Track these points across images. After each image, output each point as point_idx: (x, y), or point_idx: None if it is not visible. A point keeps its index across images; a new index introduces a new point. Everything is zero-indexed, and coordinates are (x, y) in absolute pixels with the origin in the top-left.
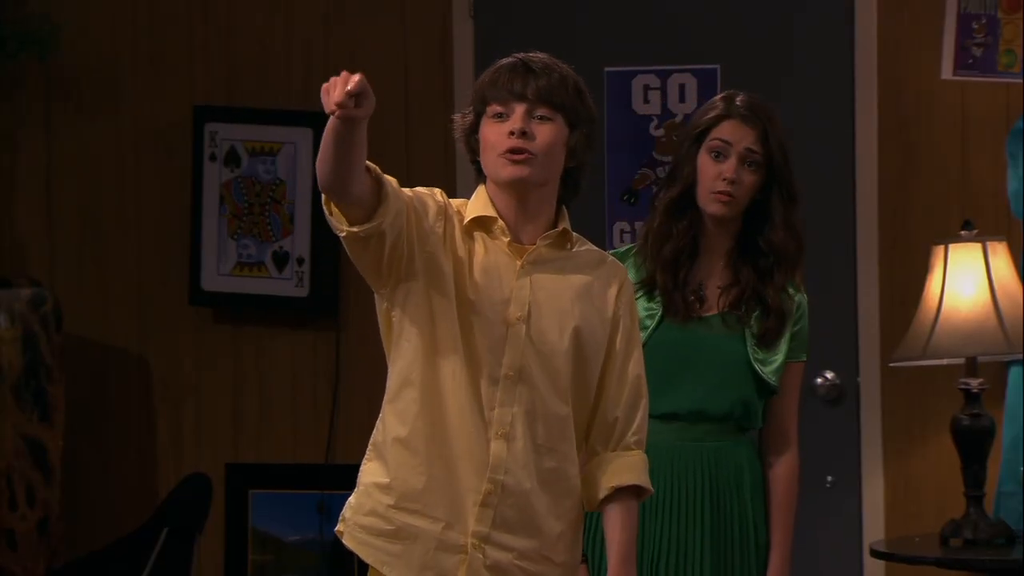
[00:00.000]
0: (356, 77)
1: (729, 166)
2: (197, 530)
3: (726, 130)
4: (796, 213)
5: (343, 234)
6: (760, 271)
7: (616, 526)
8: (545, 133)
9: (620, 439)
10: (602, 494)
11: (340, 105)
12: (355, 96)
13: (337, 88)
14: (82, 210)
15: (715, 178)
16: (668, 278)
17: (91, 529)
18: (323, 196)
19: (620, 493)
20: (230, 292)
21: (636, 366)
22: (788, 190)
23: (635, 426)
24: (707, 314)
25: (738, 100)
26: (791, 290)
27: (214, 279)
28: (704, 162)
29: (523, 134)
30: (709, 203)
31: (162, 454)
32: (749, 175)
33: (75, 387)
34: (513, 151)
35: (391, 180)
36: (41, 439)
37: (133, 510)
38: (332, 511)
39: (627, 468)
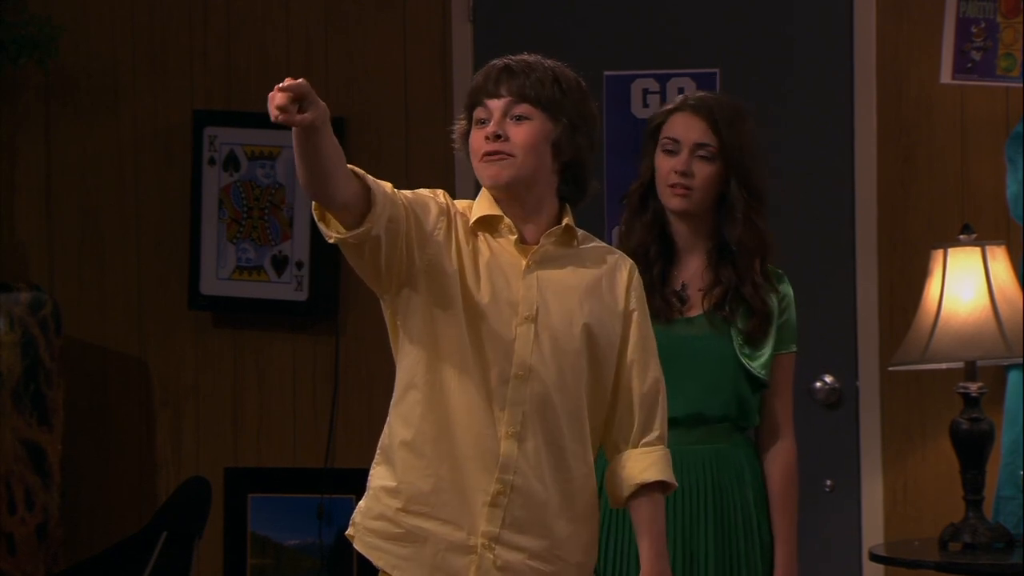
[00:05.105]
0: (291, 80)
1: (680, 160)
2: (196, 534)
3: (677, 123)
4: (761, 211)
5: (332, 240)
6: (740, 272)
7: (644, 521)
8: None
9: (641, 436)
10: (627, 492)
11: (281, 109)
12: (296, 100)
13: (276, 94)
14: (82, 213)
15: (669, 172)
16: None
17: (90, 533)
18: (312, 203)
19: (645, 489)
20: (229, 296)
21: (653, 360)
22: (748, 185)
23: (656, 422)
24: (691, 315)
25: (692, 95)
26: (775, 282)
27: (213, 283)
28: (659, 158)
29: (496, 137)
30: (668, 198)
31: (161, 458)
32: (703, 167)
33: (74, 391)
34: (489, 153)
35: (383, 185)
36: (40, 443)
37: (132, 514)
38: (332, 515)
39: (651, 464)
